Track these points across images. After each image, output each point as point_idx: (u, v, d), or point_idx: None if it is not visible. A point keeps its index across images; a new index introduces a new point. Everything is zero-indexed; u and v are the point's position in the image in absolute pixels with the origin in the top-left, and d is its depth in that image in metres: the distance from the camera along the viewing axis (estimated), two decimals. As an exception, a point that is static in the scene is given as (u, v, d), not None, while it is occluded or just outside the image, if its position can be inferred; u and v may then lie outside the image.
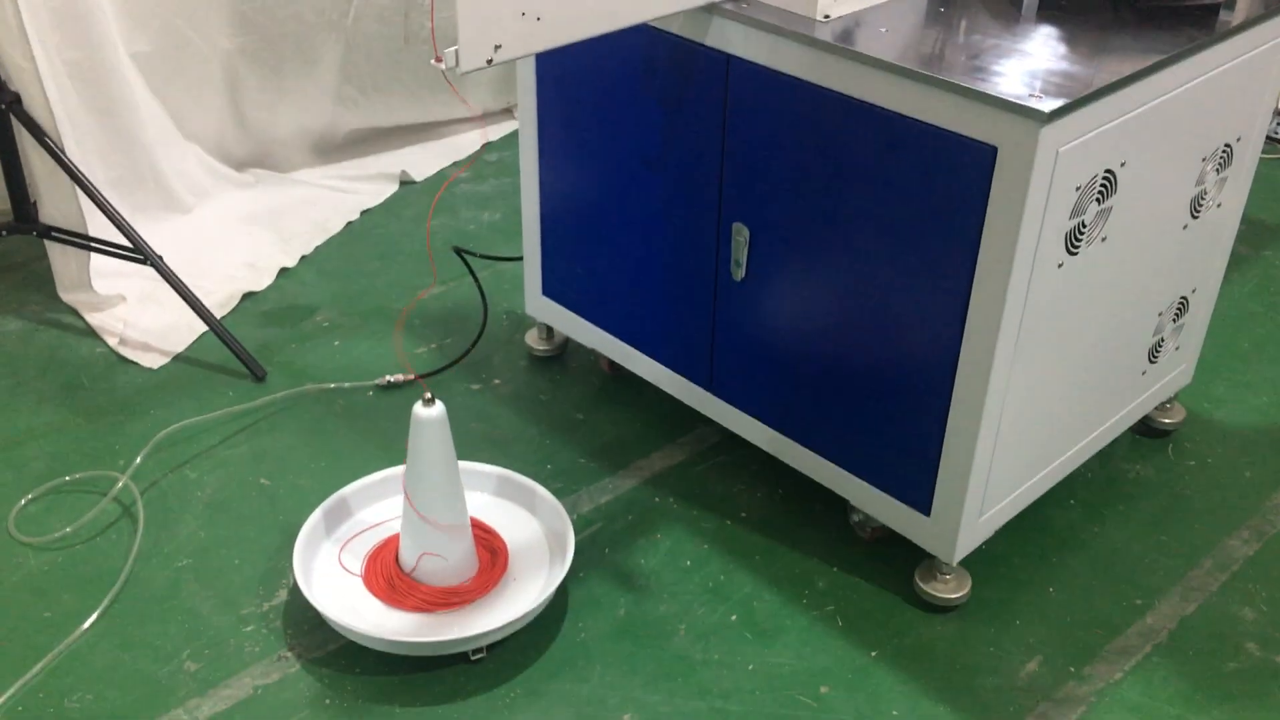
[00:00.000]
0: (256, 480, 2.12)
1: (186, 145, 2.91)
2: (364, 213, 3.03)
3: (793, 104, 1.74)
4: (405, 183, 3.18)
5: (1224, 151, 1.89)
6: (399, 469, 1.97)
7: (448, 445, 1.77)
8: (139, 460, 2.12)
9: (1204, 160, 1.85)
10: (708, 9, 1.78)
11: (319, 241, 2.89)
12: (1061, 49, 1.65)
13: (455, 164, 3.31)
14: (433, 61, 1.54)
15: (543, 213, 2.27)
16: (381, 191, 3.13)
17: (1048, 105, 1.47)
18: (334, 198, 3.07)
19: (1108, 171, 1.64)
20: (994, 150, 1.53)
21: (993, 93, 1.50)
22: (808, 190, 1.78)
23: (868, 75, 1.63)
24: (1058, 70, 1.57)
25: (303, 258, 2.81)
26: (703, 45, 1.82)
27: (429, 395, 1.74)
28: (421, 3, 3.09)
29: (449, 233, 2.97)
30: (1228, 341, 2.53)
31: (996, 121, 1.51)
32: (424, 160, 3.28)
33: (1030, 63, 1.60)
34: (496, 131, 3.48)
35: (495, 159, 3.35)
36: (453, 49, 1.52)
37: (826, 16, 1.72)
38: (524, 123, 2.20)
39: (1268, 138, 3.23)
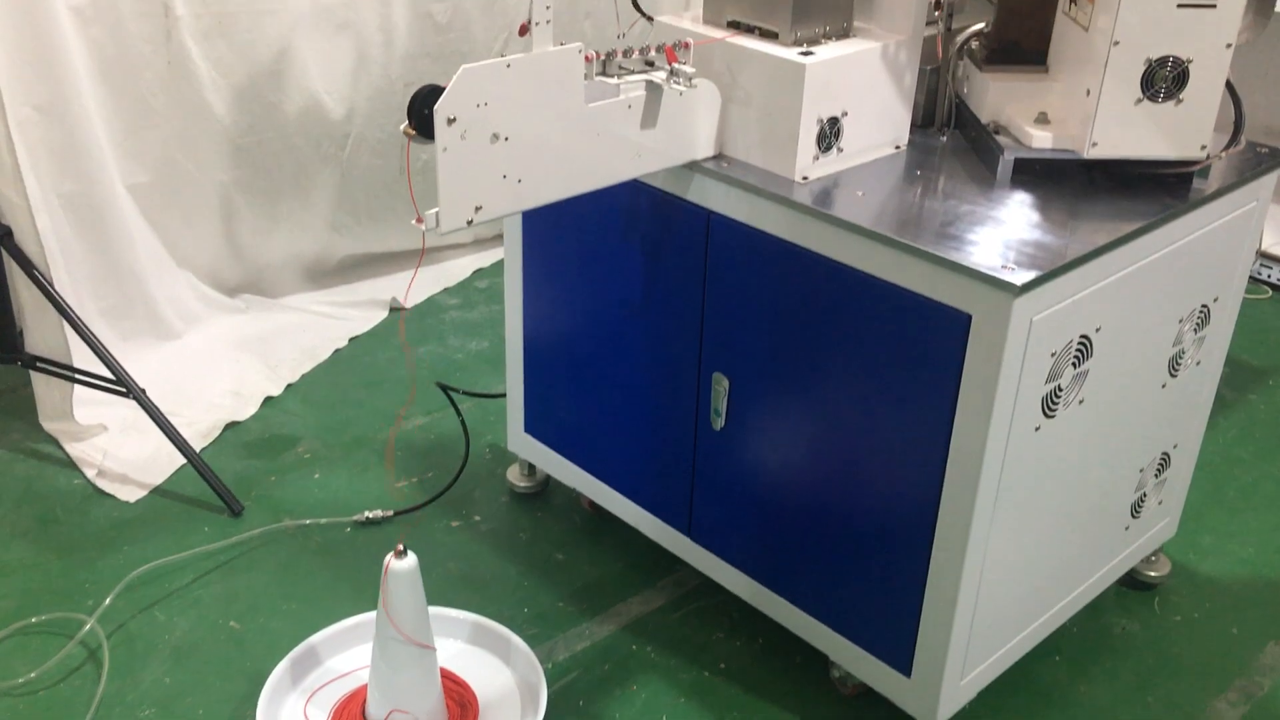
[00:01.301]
0: (226, 623, 2.08)
1: (179, 272, 2.94)
2: (352, 339, 3.04)
3: (771, 261, 1.76)
4: (395, 309, 3.20)
5: (1201, 312, 1.90)
6: (371, 615, 1.94)
7: (419, 597, 1.74)
8: (108, 601, 2.08)
9: (1181, 321, 1.86)
10: (689, 166, 1.81)
11: (306, 369, 2.89)
12: (1035, 216, 1.67)
13: (445, 290, 3.33)
14: (414, 222, 1.56)
15: (526, 350, 2.27)
16: (371, 318, 3.14)
17: (1020, 278, 1.48)
18: (323, 324, 3.09)
19: (1083, 337, 1.64)
20: (968, 318, 1.54)
21: (966, 263, 1.51)
22: (787, 345, 1.79)
23: (844, 238, 1.65)
24: (1031, 240, 1.59)
25: (289, 386, 2.81)
26: (684, 200, 1.84)
27: (401, 547, 1.71)
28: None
29: (436, 361, 2.97)
30: (1214, 489, 2.52)
31: (970, 291, 1.52)
32: (415, 286, 3.30)
33: (1004, 231, 1.61)
34: (489, 258, 3.52)
35: (485, 285, 3.38)
36: (433, 211, 1.54)
37: (805, 178, 1.75)
38: (509, 261, 2.22)
39: (1251, 278, 3.26)
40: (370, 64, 3.06)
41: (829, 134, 1.76)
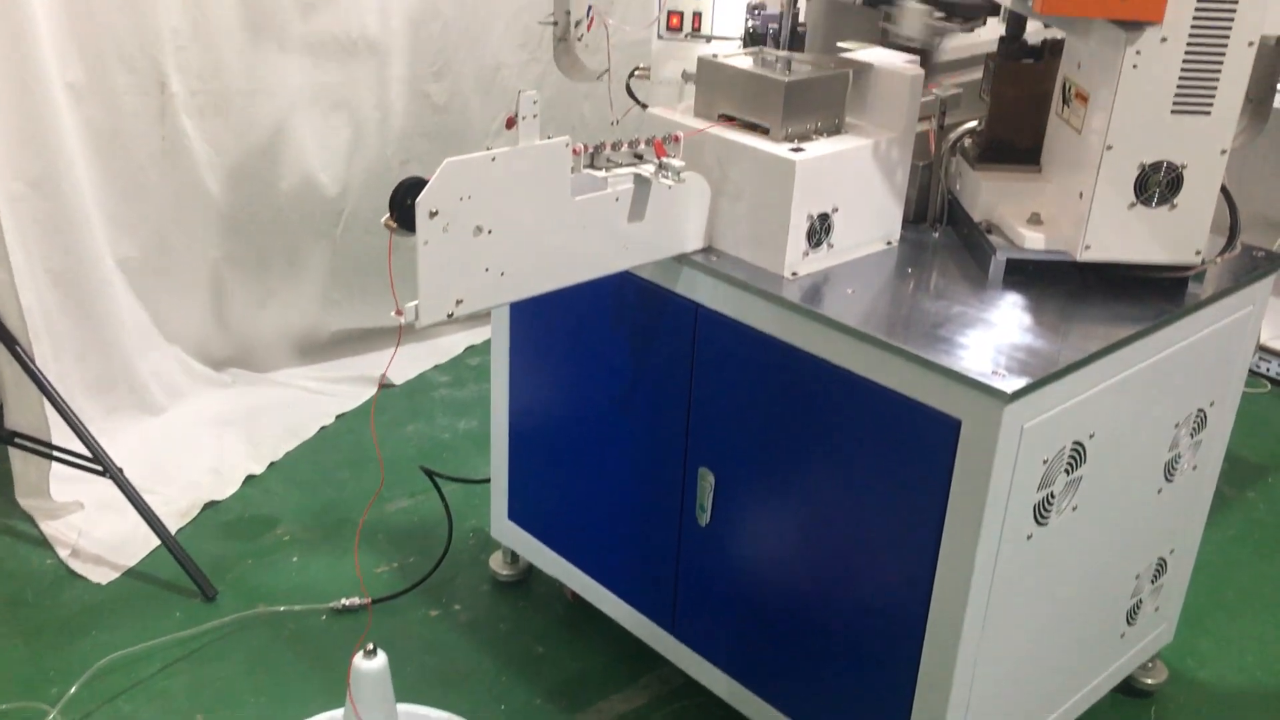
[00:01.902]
0: (192, 716, 2.01)
1: (166, 347, 2.91)
2: (339, 417, 3.00)
3: (759, 357, 1.73)
4: (385, 386, 3.16)
5: (1198, 417, 1.87)
6: (339, 713, 1.87)
7: (388, 697, 1.69)
8: (73, 690, 2.02)
9: (1177, 426, 1.83)
10: (677, 258, 1.79)
11: (290, 447, 2.85)
12: (1027, 319, 1.64)
13: (436, 367, 3.30)
14: (393, 314, 1.53)
15: (511, 436, 2.23)
16: (359, 395, 3.10)
17: (1010, 385, 1.44)
18: (310, 400, 3.05)
19: (1076, 444, 1.61)
20: (957, 423, 1.50)
21: (955, 368, 1.48)
22: (774, 442, 1.75)
23: (832, 337, 1.62)
24: (1022, 344, 1.56)
25: (271, 464, 2.77)
26: (672, 292, 1.82)
27: (370, 646, 1.66)
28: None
29: (424, 440, 2.93)
30: (1212, 591, 2.46)
31: (959, 396, 1.49)
32: (405, 363, 3.27)
33: (995, 334, 1.58)
34: (481, 334, 3.49)
35: (477, 363, 3.35)
36: (413, 304, 1.51)
37: (794, 274, 1.72)
38: (495, 345, 2.19)
39: (1250, 372, 3.23)
40: (366, 142, 3.06)
41: (819, 230, 1.74)
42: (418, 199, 1.44)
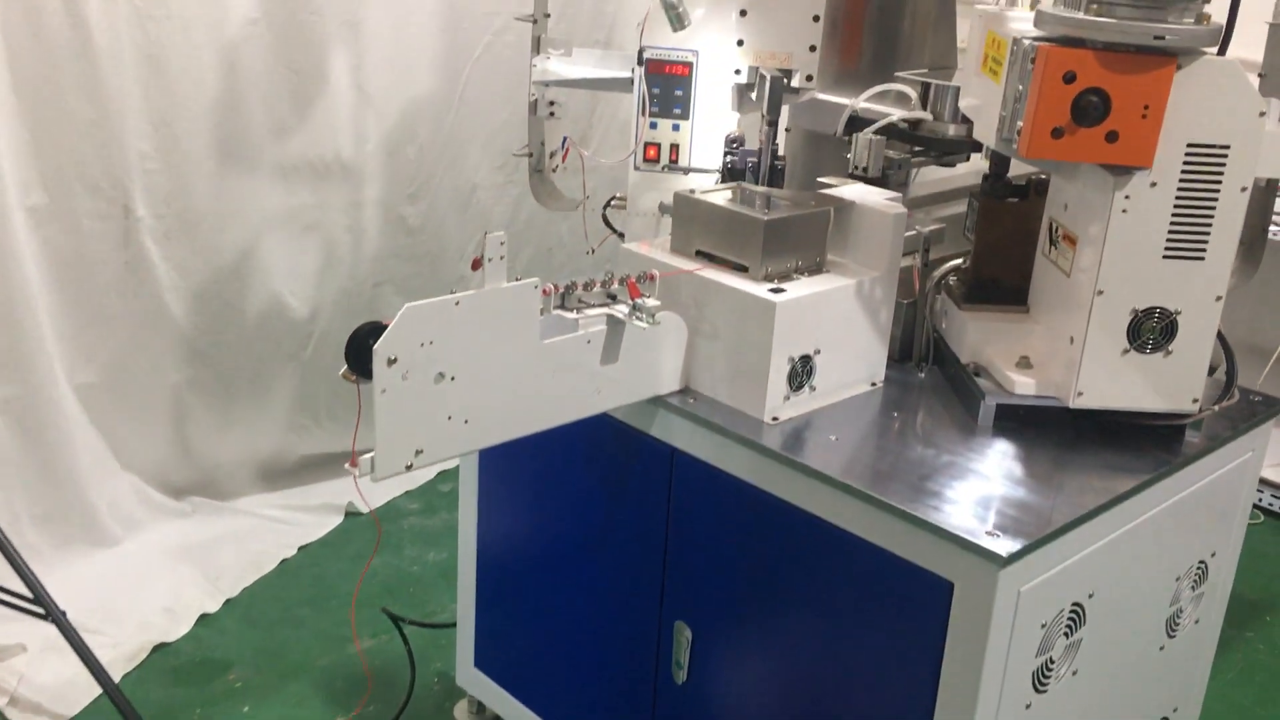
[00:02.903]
0: None
1: (123, 475, 2.80)
2: (302, 548, 2.88)
3: (738, 505, 1.64)
4: (351, 514, 3.04)
5: (1199, 569, 1.78)
6: None
7: None
8: None
9: (1178, 580, 1.74)
10: (653, 400, 1.71)
11: (249, 581, 2.71)
12: (1019, 470, 1.56)
13: (407, 493, 3.19)
14: (347, 466, 1.44)
15: (479, 580, 2.12)
16: (324, 524, 2.98)
17: (1005, 547, 1.36)
18: (272, 530, 2.92)
19: (1075, 605, 1.51)
20: (950, 585, 1.41)
21: (945, 525, 1.40)
22: (754, 596, 1.65)
23: (814, 488, 1.53)
24: (1015, 499, 1.47)
25: (228, 600, 2.63)
26: (647, 435, 1.73)
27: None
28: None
29: (390, 573, 2.80)
30: (1216, 743, 2.34)
31: (951, 556, 1.40)
32: (373, 489, 3.15)
33: (986, 487, 1.50)
34: (454, 459, 3.38)
35: (449, 489, 3.23)
36: (368, 455, 1.42)
37: (775, 419, 1.64)
38: (464, 483, 2.10)
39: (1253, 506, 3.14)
40: (338, 264, 3.00)
41: (800, 372, 1.66)
42: (375, 345, 1.36)
